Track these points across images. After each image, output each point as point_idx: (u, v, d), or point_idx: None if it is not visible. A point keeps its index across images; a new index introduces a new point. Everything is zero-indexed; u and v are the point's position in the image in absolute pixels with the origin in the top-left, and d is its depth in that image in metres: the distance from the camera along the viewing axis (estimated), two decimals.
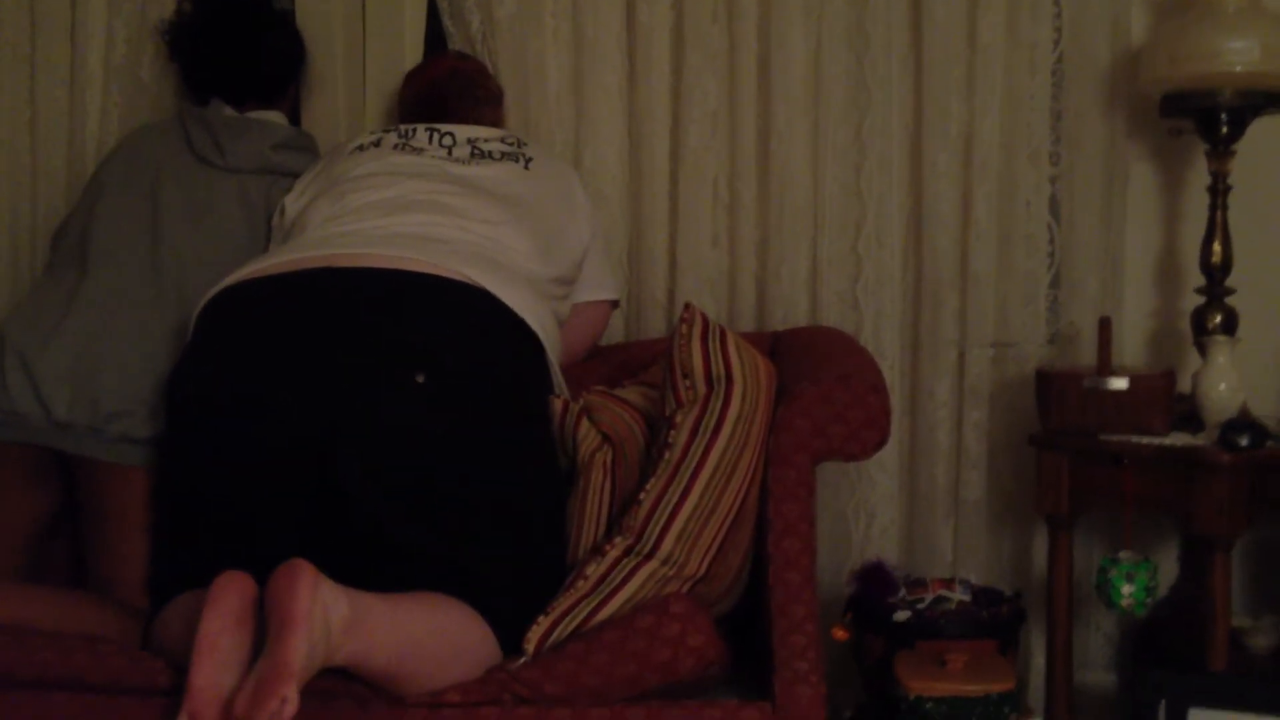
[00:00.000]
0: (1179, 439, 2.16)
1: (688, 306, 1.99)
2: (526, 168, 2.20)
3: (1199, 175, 2.42)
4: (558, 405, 2.01)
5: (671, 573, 1.83)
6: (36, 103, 2.62)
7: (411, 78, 2.48)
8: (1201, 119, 2.32)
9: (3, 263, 2.64)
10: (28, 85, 2.62)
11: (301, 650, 1.51)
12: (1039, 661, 2.45)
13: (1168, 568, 2.39)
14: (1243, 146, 2.33)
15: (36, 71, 2.62)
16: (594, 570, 1.84)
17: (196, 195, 2.28)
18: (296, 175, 2.29)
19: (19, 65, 2.62)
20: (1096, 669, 2.52)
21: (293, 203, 2.20)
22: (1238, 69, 2.23)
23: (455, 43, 2.60)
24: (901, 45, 2.52)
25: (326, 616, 1.56)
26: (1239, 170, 2.35)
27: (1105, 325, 2.26)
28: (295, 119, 2.58)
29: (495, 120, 2.42)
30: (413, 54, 2.64)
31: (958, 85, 2.49)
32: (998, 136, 2.49)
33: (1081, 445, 2.21)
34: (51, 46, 2.62)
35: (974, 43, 2.48)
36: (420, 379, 1.80)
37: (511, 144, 2.25)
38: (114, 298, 2.17)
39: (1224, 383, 2.19)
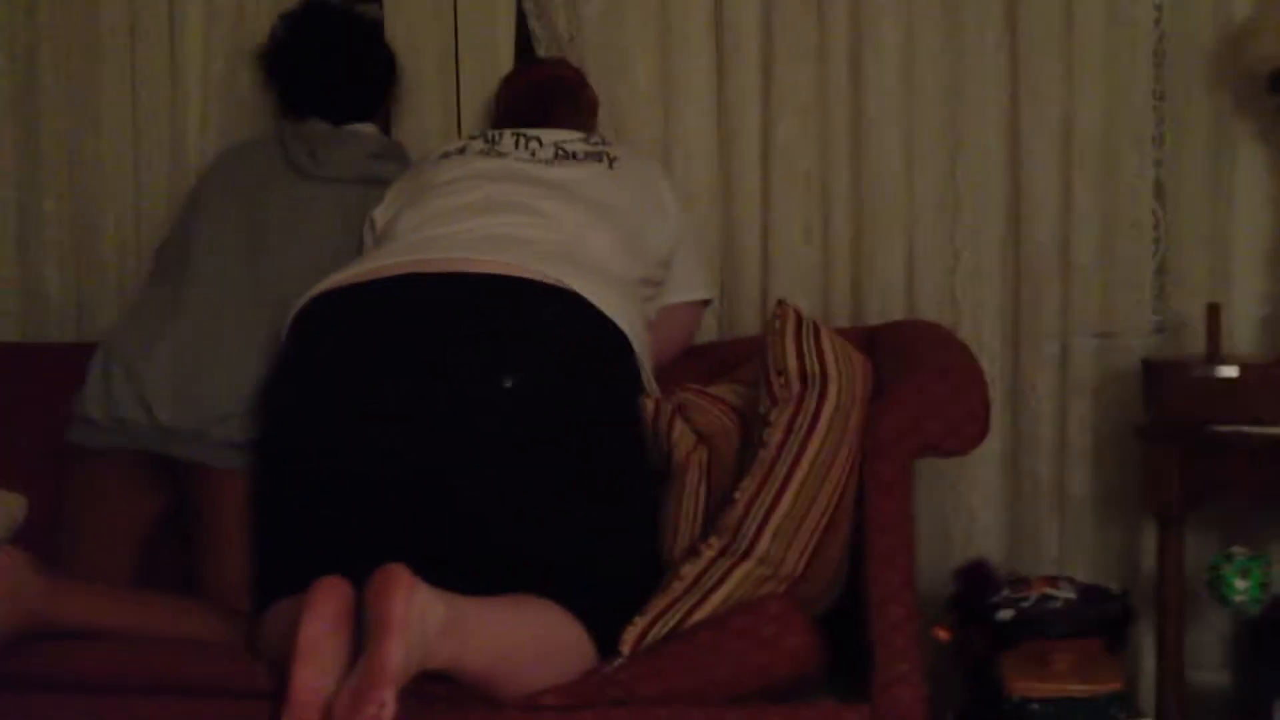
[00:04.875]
0: None
1: (780, 303, 1.97)
2: (611, 167, 2.20)
3: None
4: (650, 405, 2.00)
5: (768, 572, 1.82)
6: (139, 118, 2.67)
7: (510, 81, 2.49)
8: None
9: (109, 276, 2.68)
10: (129, 102, 2.67)
11: (398, 655, 1.53)
12: (1149, 662, 2.38)
13: None
14: None
15: (138, 88, 2.67)
16: (690, 571, 1.83)
17: (296, 205, 2.31)
18: (390, 183, 2.31)
19: (121, 82, 2.67)
20: (1210, 668, 2.43)
21: (381, 213, 2.22)
22: None
23: (541, 44, 2.60)
24: (996, 29, 2.47)
25: (423, 620, 1.57)
26: None
27: (1214, 312, 2.20)
28: (387, 130, 2.61)
29: (589, 129, 2.41)
30: (505, 59, 2.63)
31: (1056, 69, 2.43)
32: (1099, 120, 2.43)
33: (1191, 437, 2.15)
34: (152, 63, 2.66)
35: (1071, 24, 2.42)
36: (508, 383, 1.80)
37: (596, 144, 2.25)
38: (215, 305, 2.21)
39: None
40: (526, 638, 1.71)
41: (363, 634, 1.59)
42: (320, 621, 1.62)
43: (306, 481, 1.86)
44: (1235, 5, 2.42)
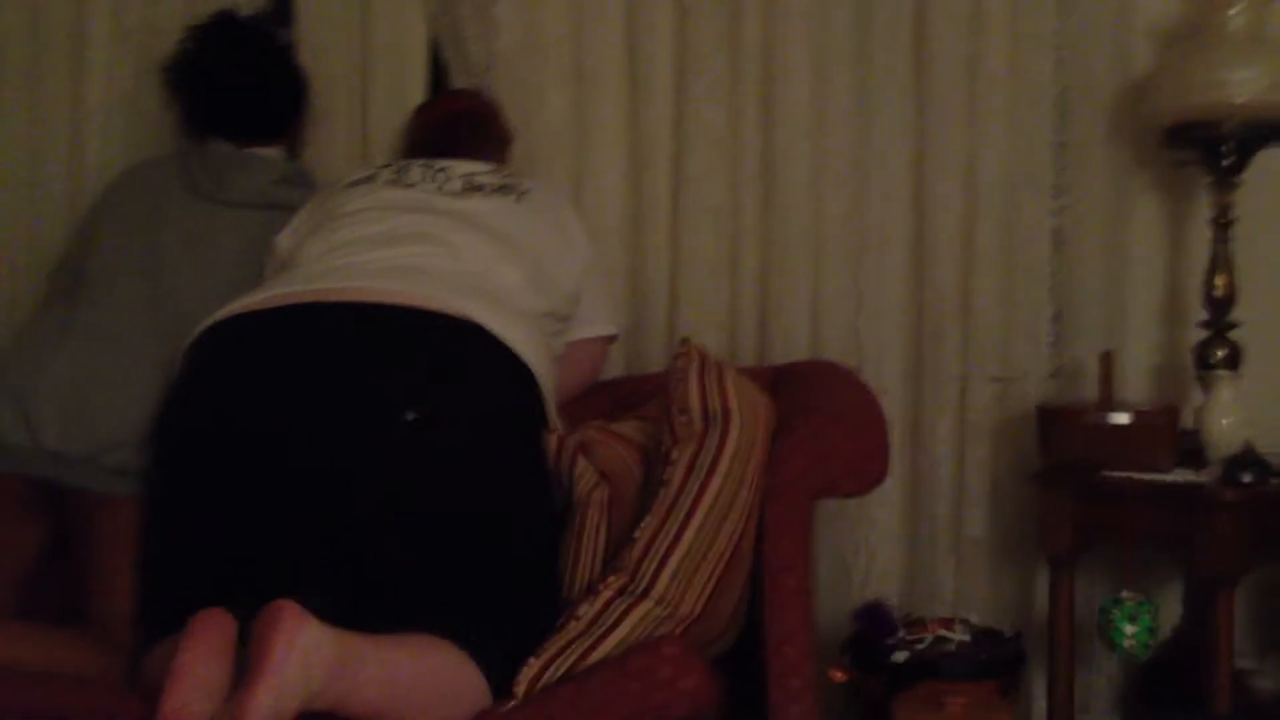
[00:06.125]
0: (1182, 476, 2.14)
1: (684, 341, 1.97)
2: (519, 201, 2.19)
3: (1205, 207, 2.39)
4: (553, 440, 1.99)
5: (666, 613, 1.81)
6: (38, 135, 2.61)
7: (423, 111, 2.47)
8: (1205, 150, 2.30)
9: (1, 299, 2.61)
10: (28, 117, 2.61)
11: (265, 703, 1.49)
12: (1040, 704, 2.41)
13: (1171, 608, 2.36)
14: (1248, 178, 2.31)
15: (39, 103, 2.61)
16: (587, 611, 1.81)
17: (195, 229, 2.27)
18: (295, 209, 2.28)
19: (21, 98, 2.61)
20: (1098, 712, 2.48)
21: (285, 240, 2.19)
22: (1241, 99, 2.22)
23: (456, 75, 2.59)
24: (904, 75, 2.51)
25: (308, 660, 1.54)
26: (1244, 202, 2.32)
27: (1107, 359, 2.24)
28: (296, 154, 2.57)
29: (500, 161, 2.40)
30: (415, 88, 2.62)
31: (960, 115, 2.47)
32: (1000, 167, 2.47)
33: (1084, 482, 2.18)
34: (55, 78, 2.60)
35: (976, 72, 2.47)
36: (410, 416, 1.78)
37: (506, 177, 2.24)
38: (110, 328, 2.15)
39: (1227, 418, 2.17)
40: (419, 678, 1.68)
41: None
42: (197, 649, 1.57)
43: (198, 512, 1.81)
44: (1134, 61, 2.49)
